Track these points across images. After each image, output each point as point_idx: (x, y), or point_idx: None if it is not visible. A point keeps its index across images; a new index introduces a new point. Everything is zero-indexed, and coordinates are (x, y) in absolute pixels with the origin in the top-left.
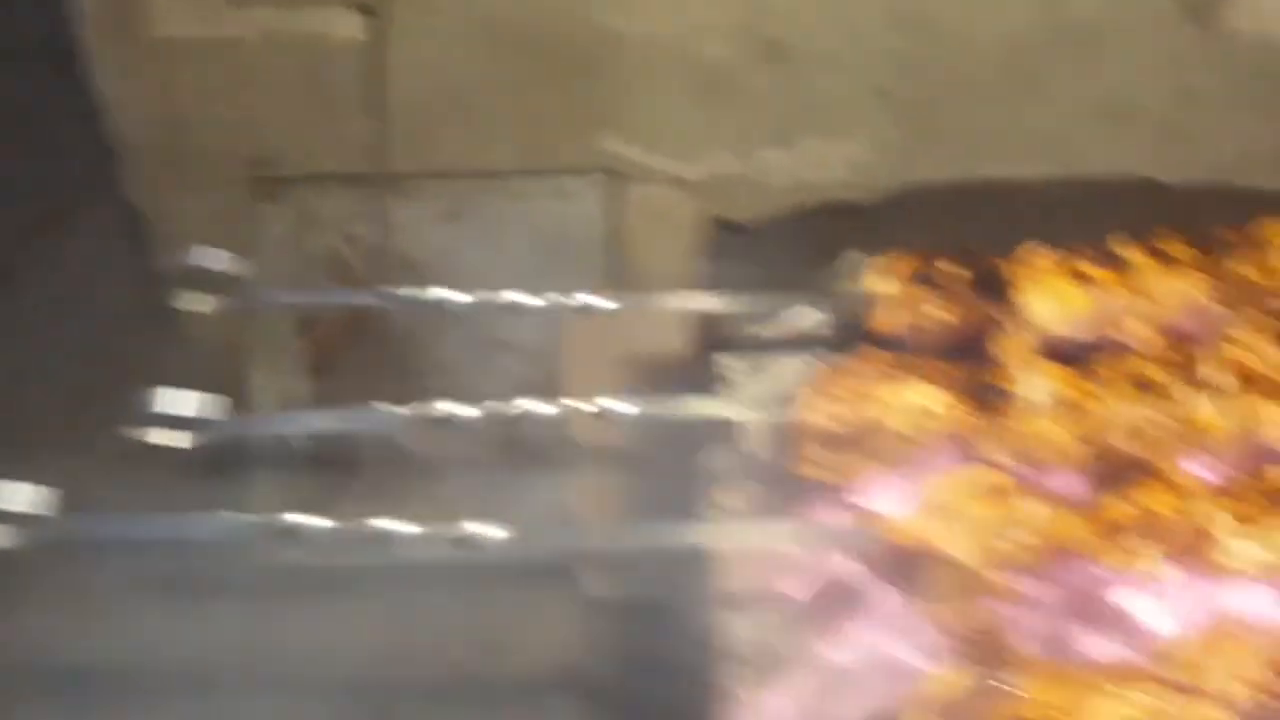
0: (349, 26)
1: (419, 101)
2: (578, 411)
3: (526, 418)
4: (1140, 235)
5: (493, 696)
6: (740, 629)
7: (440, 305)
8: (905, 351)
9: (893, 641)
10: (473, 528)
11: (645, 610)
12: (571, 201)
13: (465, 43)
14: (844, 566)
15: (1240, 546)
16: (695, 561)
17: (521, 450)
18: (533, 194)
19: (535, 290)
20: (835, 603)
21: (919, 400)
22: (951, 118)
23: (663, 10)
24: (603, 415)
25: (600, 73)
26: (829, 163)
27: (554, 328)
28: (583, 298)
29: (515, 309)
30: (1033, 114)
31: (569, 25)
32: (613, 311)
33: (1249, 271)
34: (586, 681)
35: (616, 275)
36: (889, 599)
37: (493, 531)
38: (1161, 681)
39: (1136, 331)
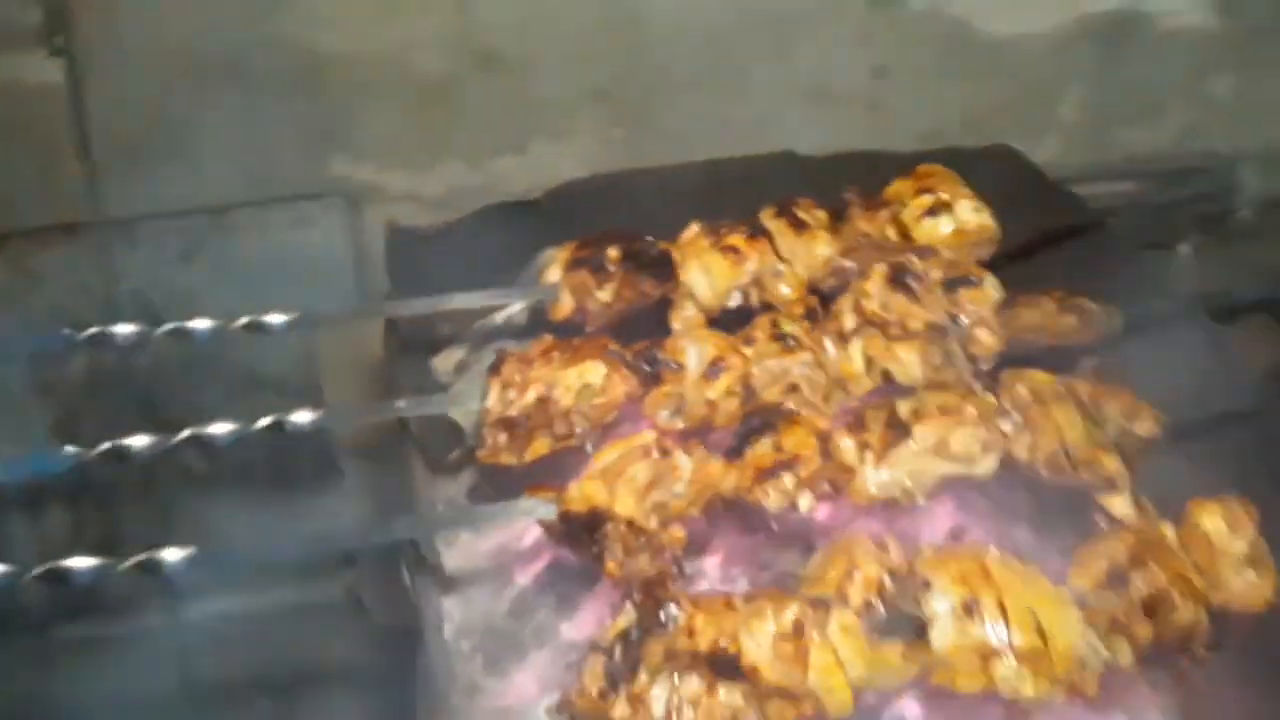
0: (43, 71)
1: (130, 141)
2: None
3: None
4: (784, 206)
5: None
6: (472, 614)
7: (178, 336)
8: (581, 334)
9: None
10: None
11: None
12: (311, 228)
13: (164, 75)
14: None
15: (873, 475)
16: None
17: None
18: (269, 224)
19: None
20: (560, 581)
21: (585, 378)
22: (667, 111)
23: (370, 26)
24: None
25: (318, 95)
26: (560, 165)
27: (305, 355)
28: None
29: (257, 328)
30: (740, 101)
31: (277, 49)
32: (342, 323)
33: (875, 229)
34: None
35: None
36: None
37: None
38: (805, 600)
39: (779, 294)
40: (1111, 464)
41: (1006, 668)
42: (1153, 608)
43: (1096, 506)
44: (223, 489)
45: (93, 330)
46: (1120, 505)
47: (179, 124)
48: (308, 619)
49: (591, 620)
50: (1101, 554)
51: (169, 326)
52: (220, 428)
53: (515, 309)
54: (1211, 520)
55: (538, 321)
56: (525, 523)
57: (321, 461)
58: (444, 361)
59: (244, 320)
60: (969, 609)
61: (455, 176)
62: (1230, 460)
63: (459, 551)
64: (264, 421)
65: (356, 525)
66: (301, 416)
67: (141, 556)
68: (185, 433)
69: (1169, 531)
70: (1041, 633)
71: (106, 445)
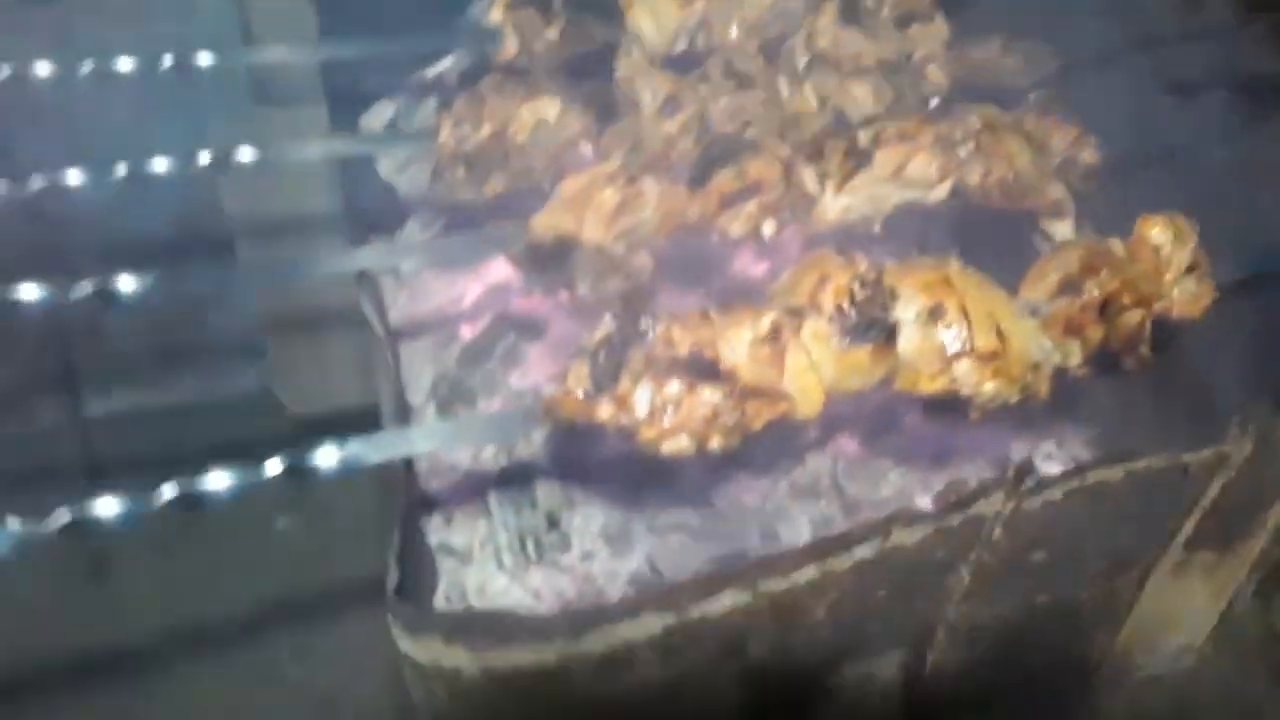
0: None
1: None
2: None
3: None
4: None
5: None
6: (420, 367)
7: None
8: (530, 75)
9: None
10: None
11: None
12: None
13: None
14: (507, 302)
15: (831, 200)
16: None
17: None
18: None
19: None
20: (507, 335)
21: (540, 114)
22: None
23: None
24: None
25: None
26: None
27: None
28: None
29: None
30: None
31: None
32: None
33: None
34: None
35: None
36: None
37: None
38: (778, 309)
39: (727, 35)
40: (1057, 190)
41: (967, 368)
42: (1103, 310)
43: (1040, 231)
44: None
45: None
46: (1064, 230)
47: None
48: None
49: (538, 372)
50: (1053, 266)
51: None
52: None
53: (450, 61)
54: (1157, 233)
55: (475, 74)
56: (466, 281)
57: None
58: (373, 118)
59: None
60: (934, 314)
61: None
62: (1171, 186)
63: (401, 312)
64: (205, 157)
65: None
66: (244, 155)
67: (93, 285)
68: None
69: (1117, 245)
70: (1000, 335)
71: None
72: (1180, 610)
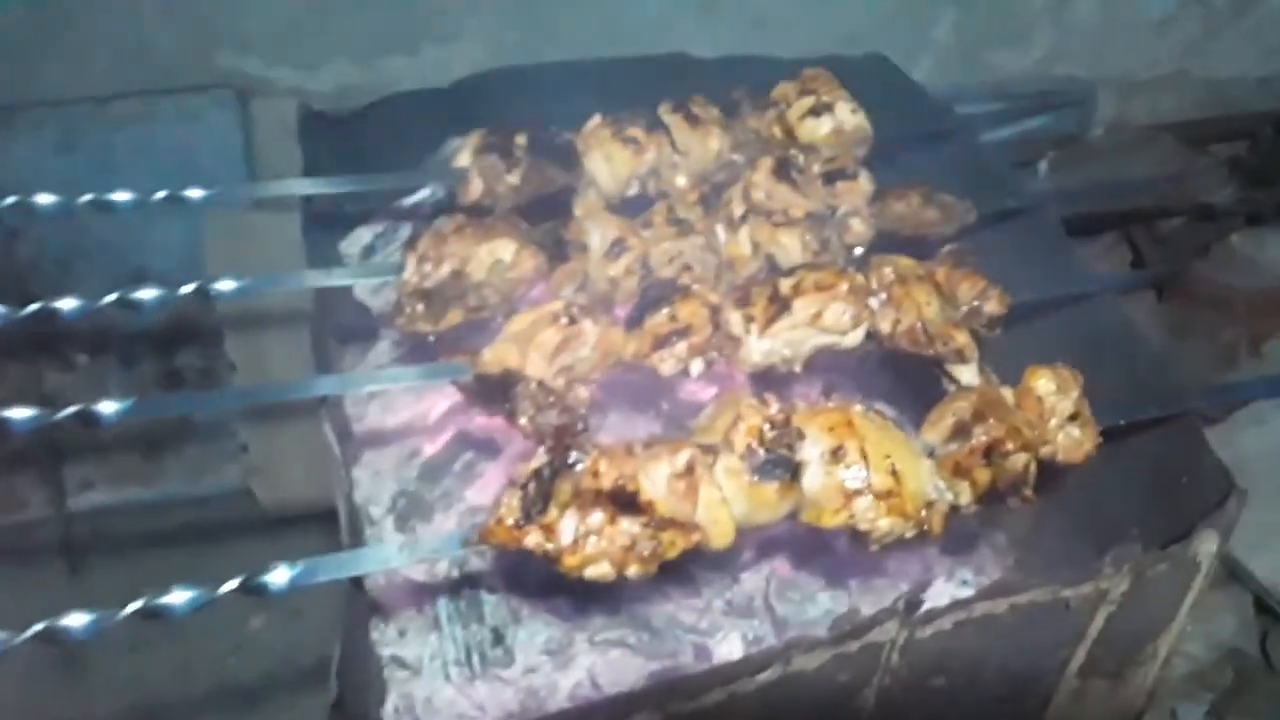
0: None
1: (8, 28)
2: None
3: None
4: (680, 102)
5: None
6: (381, 481)
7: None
8: (490, 215)
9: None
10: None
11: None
12: (196, 121)
13: None
14: (468, 420)
15: (756, 344)
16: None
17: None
18: (154, 116)
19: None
20: (465, 451)
21: (496, 253)
22: (559, 16)
23: None
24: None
25: None
26: (450, 67)
27: (192, 250)
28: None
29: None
30: (633, 11)
31: None
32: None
33: (762, 126)
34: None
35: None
36: (511, 441)
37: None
38: (696, 445)
39: (675, 183)
40: (962, 338)
41: (865, 505)
42: (990, 455)
43: (946, 375)
44: (109, 383)
45: None
46: (968, 374)
47: (61, 13)
48: (198, 508)
49: (495, 488)
50: (949, 411)
51: (89, 198)
52: (147, 293)
53: (424, 194)
54: (1043, 383)
55: (446, 206)
56: (433, 397)
57: (209, 357)
58: (351, 244)
59: (162, 194)
60: (835, 454)
61: (344, 75)
62: (1064, 336)
63: (366, 425)
64: (189, 287)
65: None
66: (226, 285)
67: (78, 407)
68: (111, 297)
69: (1007, 393)
70: (896, 475)
71: None
72: None
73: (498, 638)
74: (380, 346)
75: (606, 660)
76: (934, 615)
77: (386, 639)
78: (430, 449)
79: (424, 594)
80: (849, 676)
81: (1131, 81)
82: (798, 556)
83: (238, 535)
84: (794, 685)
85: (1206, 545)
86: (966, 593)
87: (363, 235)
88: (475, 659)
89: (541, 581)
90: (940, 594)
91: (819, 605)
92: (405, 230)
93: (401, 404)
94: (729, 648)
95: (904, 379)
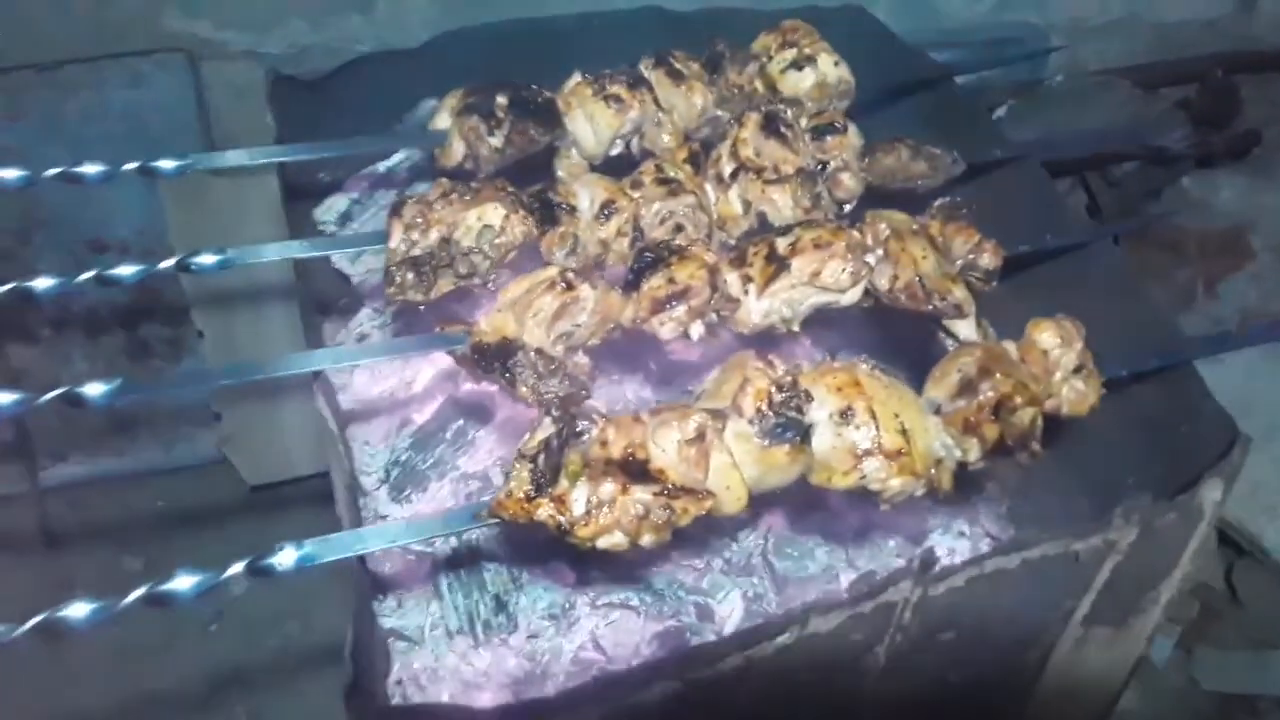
0: None
1: None
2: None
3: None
4: (660, 57)
5: None
6: (372, 451)
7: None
8: (473, 178)
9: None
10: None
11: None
12: (146, 86)
13: None
14: (456, 386)
15: (755, 305)
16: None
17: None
18: (103, 81)
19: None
20: (456, 419)
21: (485, 219)
22: None
23: None
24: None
25: None
26: (405, 24)
27: (152, 218)
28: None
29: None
30: None
31: None
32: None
33: (744, 81)
34: None
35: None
36: (501, 407)
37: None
38: (705, 410)
39: (659, 142)
40: (960, 292)
41: (876, 465)
42: (997, 410)
43: (944, 330)
44: (74, 353)
45: None
46: (965, 329)
47: None
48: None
49: (486, 454)
50: (954, 367)
51: (56, 171)
52: (125, 269)
53: (399, 158)
54: (1047, 336)
55: (422, 169)
56: (418, 365)
57: (175, 322)
58: (327, 211)
59: (134, 165)
60: (844, 415)
61: (297, 35)
62: (1060, 287)
63: (351, 396)
64: (168, 263)
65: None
66: (206, 259)
67: (62, 389)
68: (88, 275)
69: (1011, 347)
70: (905, 434)
71: None
72: (1081, 684)
73: (499, 604)
74: (361, 315)
75: (609, 623)
76: (948, 572)
77: (385, 610)
78: (419, 417)
79: (424, 564)
80: (862, 635)
81: (1082, 27)
82: (794, 513)
83: (216, 505)
84: (809, 646)
85: (1212, 493)
86: (963, 545)
87: (339, 202)
88: (478, 626)
89: (541, 547)
90: (938, 547)
91: (817, 561)
92: (382, 196)
93: (387, 371)
94: (730, 606)
95: (895, 336)
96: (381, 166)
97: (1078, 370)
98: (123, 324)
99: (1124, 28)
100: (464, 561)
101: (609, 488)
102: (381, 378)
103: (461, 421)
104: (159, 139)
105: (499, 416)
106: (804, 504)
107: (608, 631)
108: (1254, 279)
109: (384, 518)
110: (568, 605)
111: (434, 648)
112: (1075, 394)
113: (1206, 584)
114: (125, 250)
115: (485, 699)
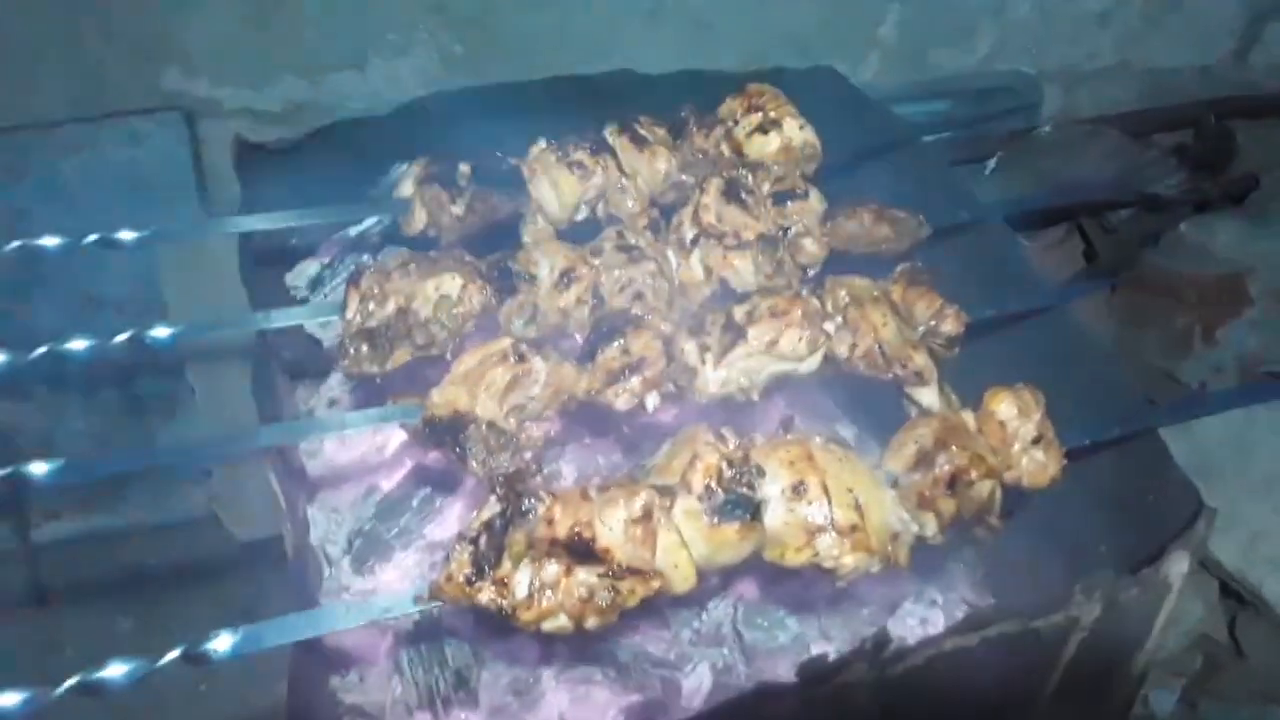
0: None
1: None
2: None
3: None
4: (625, 123)
5: None
6: (338, 520)
7: (33, 253)
8: (434, 247)
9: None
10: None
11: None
12: (144, 144)
13: None
14: (424, 454)
15: (713, 375)
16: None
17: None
18: (101, 141)
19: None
20: (423, 487)
21: (442, 289)
22: (506, 27)
23: None
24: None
25: (146, 4)
26: (400, 80)
27: (147, 276)
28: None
29: (111, 245)
30: (581, 18)
31: None
32: (193, 239)
33: (709, 145)
34: None
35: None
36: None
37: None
38: (652, 487)
39: (624, 207)
40: (920, 359)
41: (829, 542)
42: (954, 484)
43: (907, 398)
44: (69, 409)
45: None
46: (928, 396)
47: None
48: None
49: (454, 522)
50: (910, 439)
51: (15, 245)
52: (78, 344)
53: (370, 222)
54: (1004, 406)
55: (393, 234)
56: (389, 430)
57: (170, 377)
58: (298, 276)
59: (94, 237)
60: (796, 490)
61: (293, 91)
62: (1023, 352)
63: (321, 462)
64: (122, 337)
65: (216, 438)
66: (160, 332)
67: (7, 470)
68: (40, 350)
69: (969, 418)
70: (859, 509)
71: None
72: None
73: (460, 680)
74: (332, 381)
75: (575, 697)
76: (904, 654)
77: (347, 686)
78: (387, 484)
79: (386, 637)
80: (820, 718)
81: (1075, 74)
82: (764, 580)
83: (207, 561)
84: None
85: (1178, 566)
86: (936, 614)
87: (309, 267)
88: (438, 703)
89: (503, 621)
90: (910, 616)
91: (788, 630)
92: (353, 260)
93: (358, 438)
94: (698, 679)
95: (867, 396)
96: (353, 231)
97: (1037, 440)
98: (117, 381)
99: (1117, 74)
100: (424, 635)
101: (553, 569)
102: (351, 444)
103: (429, 489)
104: (156, 197)
105: (468, 484)
106: (774, 571)
107: (573, 708)
108: (1253, 325)
109: (346, 589)
110: (532, 680)
111: None
112: (1035, 465)
113: (1209, 636)
114: (121, 308)
115: None
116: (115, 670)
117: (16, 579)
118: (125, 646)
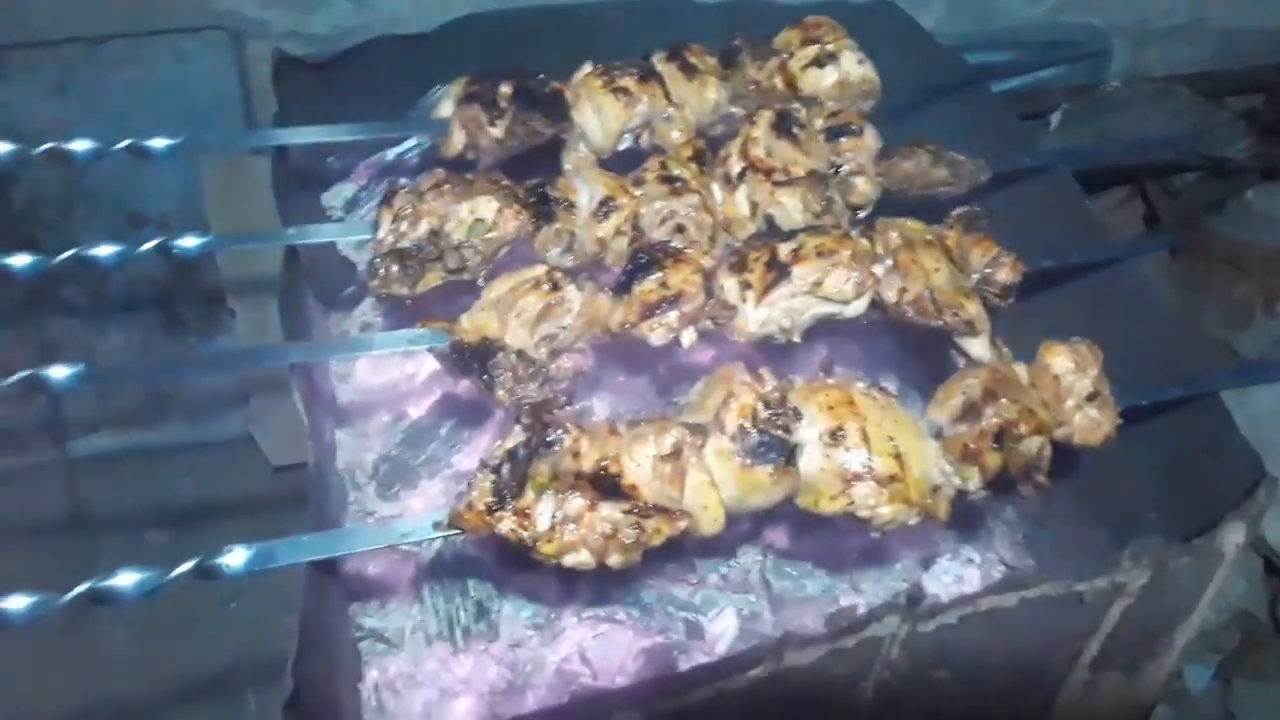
0: None
1: None
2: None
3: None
4: (675, 50)
5: None
6: (366, 446)
7: (62, 157)
8: (472, 170)
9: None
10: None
11: None
12: (190, 63)
13: None
14: (455, 383)
15: (753, 314)
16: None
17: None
18: (147, 58)
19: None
20: (451, 415)
21: (477, 212)
22: None
23: None
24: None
25: None
26: (449, 3)
27: (188, 191)
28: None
29: (139, 153)
30: None
31: None
32: (229, 152)
33: (762, 77)
34: None
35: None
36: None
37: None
38: (683, 425)
39: (669, 138)
40: (973, 308)
41: (866, 491)
42: (1001, 438)
43: (955, 347)
44: (110, 326)
45: None
46: (978, 347)
47: None
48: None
49: (481, 452)
50: (958, 389)
51: (46, 147)
52: (105, 249)
53: (410, 144)
54: (1060, 360)
55: (431, 159)
56: (420, 358)
57: (211, 299)
58: (334, 197)
59: (126, 143)
60: (835, 436)
61: (340, 15)
62: (1081, 307)
63: (351, 386)
64: (149, 245)
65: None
66: (189, 241)
67: (26, 373)
68: (68, 253)
69: (1021, 370)
70: (900, 459)
71: None
72: None
73: (481, 611)
74: (365, 305)
75: (596, 635)
76: (937, 610)
77: (368, 611)
78: (416, 412)
79: (407, 566)
80: (846, 670)
81: (1146, 30)
82: (796, 530)
83: (241, 484)
84: (786, 680)
85: (1234, 536)
86: (973, 573)
87: (346, 189)
88: (458, 633)
89: (525, 554)
90: (945, 574)
91: (818, 581)
92: (391, 183)
93: (389, 364)
94: (723, 624)
95: (913, 347)
96: (391, 153)
97: (1092, 398)
98: (158, 300)
99: (1189, 33)
100: (447, 565)
101: (577, 503)
102: (383, 369)
103: (457, 419)
104: (202, 116)
105: (498, 416)
106: (808, 521)
107: (594, 645)
108: None
109: (371, 514)
110: (553, 615)
111: (412, 653)
112: (1088, 422)
113: (1250, 612)
114: (165, 224)
115: (462, 708)
116: (126, 579)
117: (52, 492)
118: (156, 564)
